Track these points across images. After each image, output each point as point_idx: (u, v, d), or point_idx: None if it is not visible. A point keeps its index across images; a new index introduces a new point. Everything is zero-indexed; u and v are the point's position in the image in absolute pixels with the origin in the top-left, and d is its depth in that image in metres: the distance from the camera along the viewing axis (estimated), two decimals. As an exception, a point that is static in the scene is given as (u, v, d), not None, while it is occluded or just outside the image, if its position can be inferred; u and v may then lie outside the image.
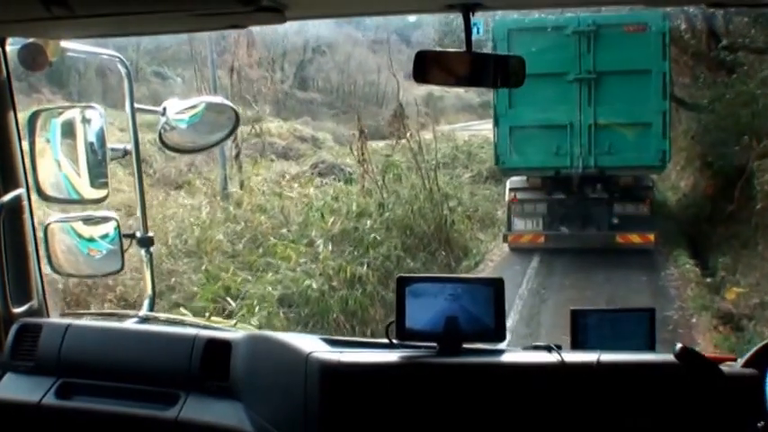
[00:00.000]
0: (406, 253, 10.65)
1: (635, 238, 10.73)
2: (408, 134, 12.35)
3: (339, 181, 13.67)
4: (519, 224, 11.30)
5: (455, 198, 13.14)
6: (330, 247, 9.72)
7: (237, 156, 12.81)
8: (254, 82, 16.52)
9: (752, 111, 11.28)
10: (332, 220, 10.23)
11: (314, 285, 8.26)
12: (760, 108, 11.15)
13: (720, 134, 12.57)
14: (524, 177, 11.47)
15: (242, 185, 11.72)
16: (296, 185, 11.28)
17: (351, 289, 8.88)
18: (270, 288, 7.97)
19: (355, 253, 9.59)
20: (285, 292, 8.44)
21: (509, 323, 7.76)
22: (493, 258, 11.53)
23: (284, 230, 10.04)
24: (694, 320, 8.34)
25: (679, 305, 8.88)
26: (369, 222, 10.42)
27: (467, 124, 28.02)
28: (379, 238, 10.15)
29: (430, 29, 27.90)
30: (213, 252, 9.74)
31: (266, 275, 8.43)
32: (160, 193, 12.43)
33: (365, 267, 9.38)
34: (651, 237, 10.66)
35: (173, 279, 9.05)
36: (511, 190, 11.48)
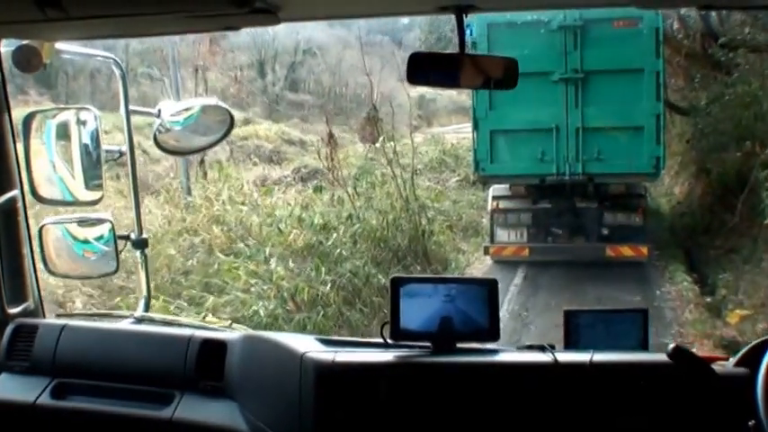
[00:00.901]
0: (379, 268, 9.55)
1: (626, 251, 9.75)
2: (381, 138, 11.19)
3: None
4: (502, 235, 10.35)
5: (432, 208, 11.95)
6: (291, 264, 8.63)
7: (202, 162, 11.69)
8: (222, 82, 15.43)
9: (754, 113, 10.18)
10: (293, 233, 9.10)
11: (262, 310, 7.16)
12: (765, 110, 10.03)
13: (719, 138, 11.50)
14: (507, 185, 10.51)
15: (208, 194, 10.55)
16: (256, 195, 10.07)
17: (310, 311, 7.79)
18: (210, 316, 6.85)
19: (319, 270, 8.45)
20: (234, 316, 7.34)
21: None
22: (473, 273, 10.41)
23: (242, 245, 8.89)
24: (695, 350, 7.22)
25: (677, 330, 7.73)
26: (335, 235, 9.29)
27: (459, 126, 27.29)
28: (345, 253, 9.03)
29: (417, 29, 27.06)
30: (163, 269, 8.63)
31: (207, 300, 7.32)
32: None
33: (328, 286, 8.28)
34: (644, 249, 9.69)
35: (117, 299, 8.04)
36: (494, 198, 10.51)
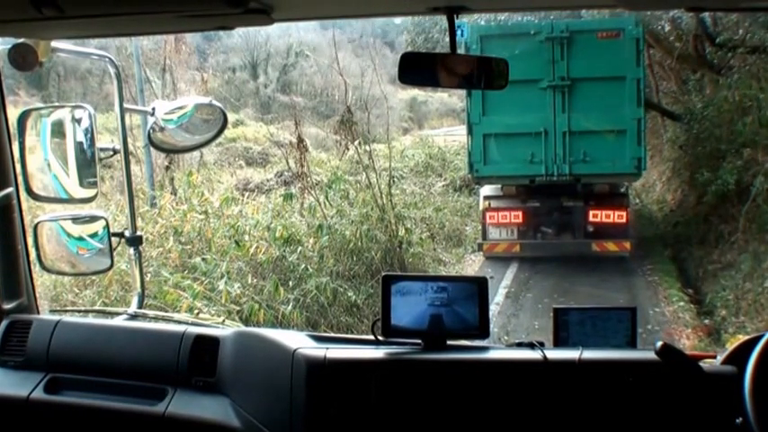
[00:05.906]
0: (350, 282, 8.55)
1: (611, 246, 10.05)
2: (356, 143, 10.18)
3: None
4: (494, 233, 10.55)
5: (410, 218, 11.00)
6: (252, 280, 7.60)
7: (168, 167, 10.61)
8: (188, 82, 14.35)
9: (758, 118, 9.17)
10: (257, 245, 8.04)
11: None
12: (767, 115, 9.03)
13: (715, 144, 10.54)
14: (498, 186, 10.75)
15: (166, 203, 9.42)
16: (217, 203, 8.97)
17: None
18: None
19: (278, 288, 7.40)
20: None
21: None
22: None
23: (198, 260, 7.80)
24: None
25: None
26: (300, 249, 8.25)
27: (450, 129, 26.64)
28: (310, 268, 7.99)
29: (405, 30, 26.13)
30: (109, 287, 7.57)
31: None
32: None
33: (290, 306, 7.26)
34: (627, 244, 9.97)
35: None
36: (485, 198, 10.69)
